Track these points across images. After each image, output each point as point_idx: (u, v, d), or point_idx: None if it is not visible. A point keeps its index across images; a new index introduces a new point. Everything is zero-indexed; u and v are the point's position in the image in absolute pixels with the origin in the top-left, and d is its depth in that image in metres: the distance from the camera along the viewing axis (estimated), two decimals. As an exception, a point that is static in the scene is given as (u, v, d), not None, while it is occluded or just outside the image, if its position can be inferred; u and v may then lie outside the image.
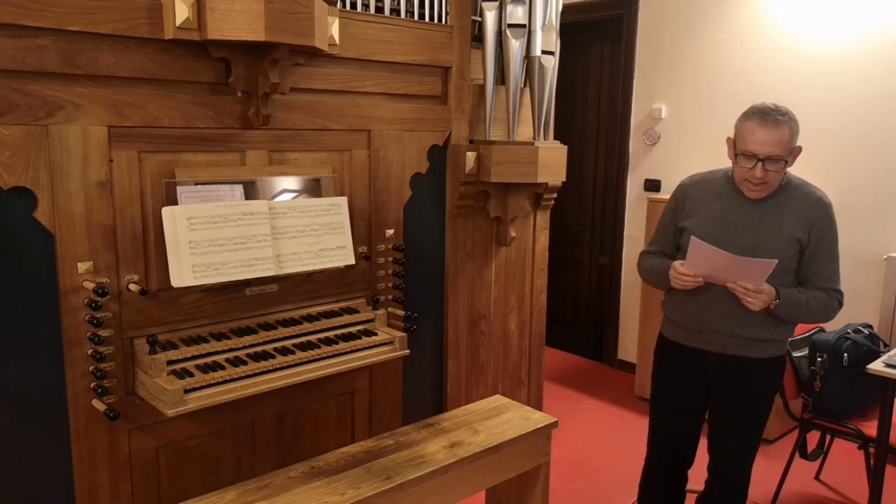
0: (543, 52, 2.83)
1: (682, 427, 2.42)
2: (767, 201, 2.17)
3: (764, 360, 2.25)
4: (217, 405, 2.02)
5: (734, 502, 2.42)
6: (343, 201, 2.38)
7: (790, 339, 3.04)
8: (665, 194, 3.87)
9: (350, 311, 2.49)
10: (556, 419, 2.50)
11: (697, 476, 2.53)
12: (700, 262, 2.11)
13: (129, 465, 2.12)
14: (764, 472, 3.45)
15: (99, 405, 2.00)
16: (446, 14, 2.69)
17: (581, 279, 5.17)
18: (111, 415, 1.98)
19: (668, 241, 2.36)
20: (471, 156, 2.80)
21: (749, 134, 2.08)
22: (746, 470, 2.38)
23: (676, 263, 2.19)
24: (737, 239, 2.15)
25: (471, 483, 2.26)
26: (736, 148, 2.14)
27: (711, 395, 2.36)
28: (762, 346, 2.23)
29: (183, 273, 2.01)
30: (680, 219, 2.30)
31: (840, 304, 2.20)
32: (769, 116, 2.06)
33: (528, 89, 2.91)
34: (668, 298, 2.37)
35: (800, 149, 2.13)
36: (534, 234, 3.20)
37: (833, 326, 3.24)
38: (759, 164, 2.06)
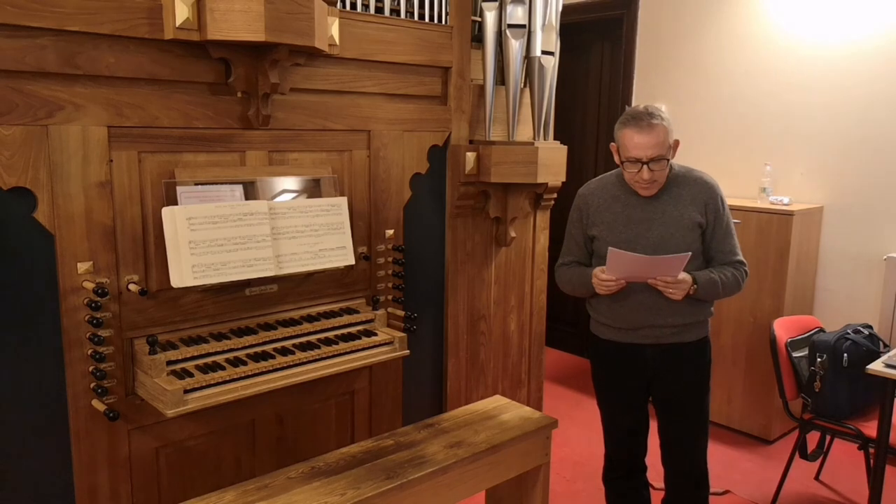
0: (543, 52, 2.83)
1: (634, 421, 2.47)
2: (663, 194, 2.28)
3: (695, 342, 2.36)
4: (217, 405, 2.02)
5: (698, 490, 2.45)
6: (343, 201, 2.38)
7: (791, 339, 3.07)
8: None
9: (350, 311, 2.49)
10: (555, 419, 2.50)
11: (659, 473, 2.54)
12: (619, 267, 2.19)
13: (129, 466, 2.12)
14: (764, 472, 3.45)
15: (99, 405, 2.00)
16: (446, 14, 2.69)
17: (581, 279, 5.16)
18: (111, 415, 1.98)
19: (581, 250, 2.44)
20: (471, 156, 2.80)
21: (629, 141, 2.18)
22: (702, 456, 2.43)
23: (597, 271, 2.26)
24: (645, 236, 2.26)
25: (471, 483, 2.26)
26: (620, 155, 2.24)
27: (653, 389, 2.42)
28: (691, 329, 2.34)
29: (183, 273, 2.01)
30: (587, 228, 2.39)
31: (747, 274, 2.34)
32: (643, 122, 2.16)
33: (528, 89, 2.91)
34: (596, 302, 2.41)
35: (677, 142, 2.24)
36: (534, 235, 3.20)
37: (833, 327, 3.25)
38: (644, 167, 2.17)
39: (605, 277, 2.22)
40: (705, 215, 2.28)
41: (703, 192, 2.29)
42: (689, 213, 2.27)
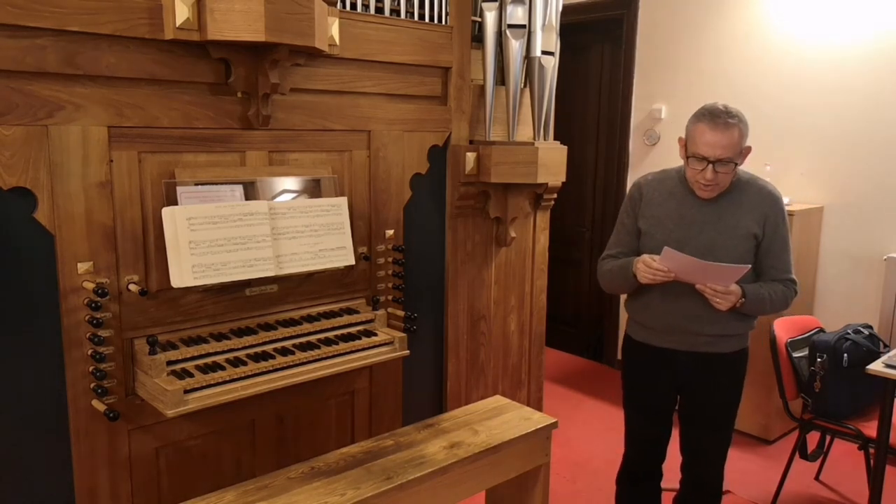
0: (543, 52, 2.83)
1: (657, 428, 2.43)
2: (721, 199, 2.20)
3: (731, 353, 2.29)
4: (217, 405, 2.02)
5: (710, 499, 2.43)
6: (343, 202, 2.38)
7: (791, 339, 3.07)
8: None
9: (350, 311, 2.49)
10: (555, 419, 2.50)
11: (672, 474, 2.53)
12: (671, 266, 2.12)
13: (129, 466, 2.12)
14: (764, 472, 3.46)
15: (99, 405, 2.00)
16: (446, 14, 2.69)
17: (581, 279, 5.17)
18: (111, 415, 1.98)
19: (633, 241, 2.33)
20: (471, 156, 2.80)
21: (699, 136, 2.09)
22: (720, 467, 2.40)
23: (646, 256, 2.16)
24: (694, 238, 2.18)
25: (471, 483, 2.26)
26: (687, 150, 2.16)
27: (683, 395, 2.38)
28: (729, 341, 2.27)
29: (183, 273, 2.01)
30: (638, 218, 2.31)
31: (796, 293, 2.26)
32: (719, 119, 2.07)
33: (528, 89, 2.91)
34: (632, 301, 2.36)
35: (749, 148, 2.15)
36: (534, 235, 3.20)
37: (833, 327, 3.25)
38: (710, 166, 2.09)
39: (657, 267, 2.11)
40: (763, 227, 2.18)
41: (764, 203, 2.19)
42: (746, 222, 2.18)
